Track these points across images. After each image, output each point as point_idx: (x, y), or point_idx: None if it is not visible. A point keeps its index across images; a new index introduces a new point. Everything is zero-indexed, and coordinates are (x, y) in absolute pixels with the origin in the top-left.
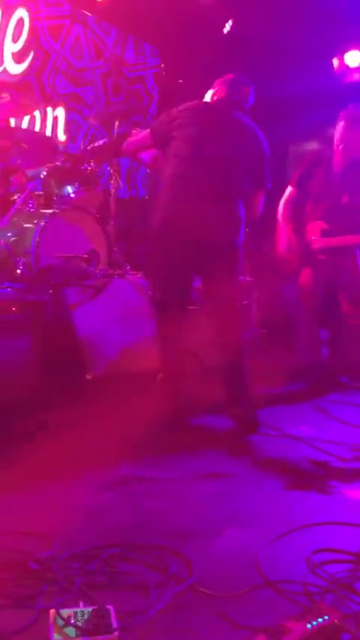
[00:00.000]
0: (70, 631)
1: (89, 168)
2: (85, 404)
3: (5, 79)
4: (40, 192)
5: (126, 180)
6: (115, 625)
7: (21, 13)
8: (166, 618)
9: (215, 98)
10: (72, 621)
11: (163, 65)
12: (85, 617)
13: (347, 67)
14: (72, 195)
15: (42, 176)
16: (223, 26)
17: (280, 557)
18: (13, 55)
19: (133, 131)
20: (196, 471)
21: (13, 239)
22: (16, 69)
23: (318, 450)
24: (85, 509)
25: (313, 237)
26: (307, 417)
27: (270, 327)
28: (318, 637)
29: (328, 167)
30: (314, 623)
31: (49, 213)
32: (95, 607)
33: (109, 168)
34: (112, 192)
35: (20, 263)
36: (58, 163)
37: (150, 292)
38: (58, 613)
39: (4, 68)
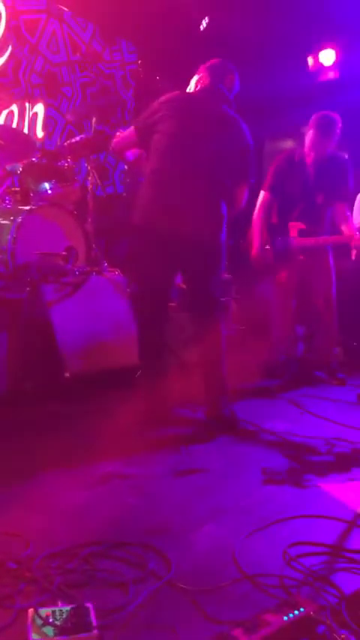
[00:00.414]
0: (49, 630)
1: (66, 164)
2: (64, 401)
3: None
4: (16, 189)
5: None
6: (94, 623)
7: None
8: (145, 614)
9: (198, 87)
10: (50, 620)
11: (140, 62)
12: (64, 615)
13: (322, 65)
14: (49, 192)
15: (18, 172)
16: (200, 24)
17: (257, 551)
18: None
19: (118, 133)
20: (174, 467)
21: None
22: None
23: (293, 444)
24: (64, 508)
25: (292, 237)
26: (282, 412)
27: (247, 323)
28: (294, 629)
29: (302, 167)
30: (290, 615)
31: (26, 210)
32: (74, 605)
33: (86, 165)
34: (89, 189)
35: None
36: (34, 159)
37: (130, 289)
38: (36, 612)
39: None
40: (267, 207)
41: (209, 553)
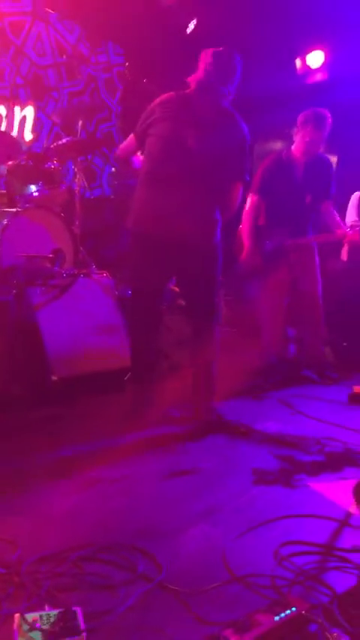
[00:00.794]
0: (36, 635)
1: (53, 166)
2: (51, 405)
3: None
4: (2, 191)
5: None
6: (82, 626)
7: None
8: (136, 617)
9: (195, 83)
10: (37, 625)
11: (127, 64)
12: (52, 620)
13: (309, 67)
14: (35, 194)
15: (4, 174)
16: (187, 26)
17: (248, 552)
18: None
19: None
20: (164, 469)
21: None
22: None
23: (284, 444)
24: (53, 512)
25: (285, 237)
26: (273, 412)
27: (237, 324)
28: (286, 628)
29: (291, 168)
30: (282, 615)
31: (11, 212)
32: (61, 609)
33: (73, 167)
34: (76, 191)
35: None
36: (22, 162)
37: (119, 291)
38: (22, 617)
39: None
40: (256, 209)
41: (200, 554)
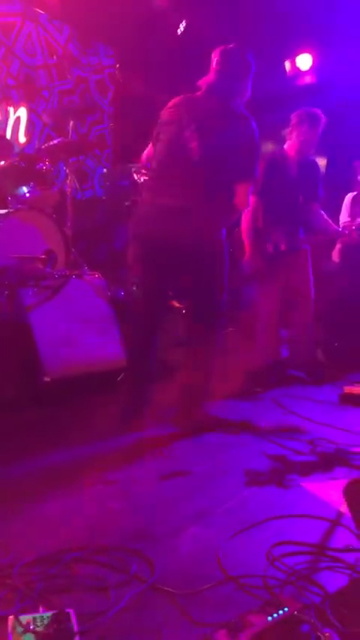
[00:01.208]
0: (29, 637)
1: (44, 167)
2: (44, 406)
3: None
4: None
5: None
6: (75, 628)
7: None
8: (129, 618)
9: (205, 85)
10: (31, 627)
11: (118, 65)
12: (45, 622)
13: (299, 69)
14: (27, 195)
15: None
16: (178, 27)
17: (241, 552)
18: None
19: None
20: (158, 470)
21: None
22: None
23: (277, 444)
24: (46, 514)
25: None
26: (266, 413)
27: (234, 325)
28: (278, 629)
29: (285, 167)
30: (274, 615)
31: (3, 213)
32: (55, 611)
33: (65, 168)
34: (68, 193)
35: None
36: (13, 163)
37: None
38: (16, 619)
39: None
40: (255, 211)
41: (193, 555)
